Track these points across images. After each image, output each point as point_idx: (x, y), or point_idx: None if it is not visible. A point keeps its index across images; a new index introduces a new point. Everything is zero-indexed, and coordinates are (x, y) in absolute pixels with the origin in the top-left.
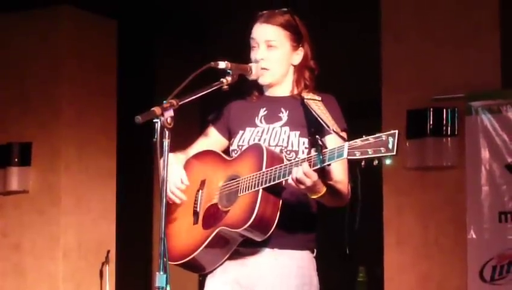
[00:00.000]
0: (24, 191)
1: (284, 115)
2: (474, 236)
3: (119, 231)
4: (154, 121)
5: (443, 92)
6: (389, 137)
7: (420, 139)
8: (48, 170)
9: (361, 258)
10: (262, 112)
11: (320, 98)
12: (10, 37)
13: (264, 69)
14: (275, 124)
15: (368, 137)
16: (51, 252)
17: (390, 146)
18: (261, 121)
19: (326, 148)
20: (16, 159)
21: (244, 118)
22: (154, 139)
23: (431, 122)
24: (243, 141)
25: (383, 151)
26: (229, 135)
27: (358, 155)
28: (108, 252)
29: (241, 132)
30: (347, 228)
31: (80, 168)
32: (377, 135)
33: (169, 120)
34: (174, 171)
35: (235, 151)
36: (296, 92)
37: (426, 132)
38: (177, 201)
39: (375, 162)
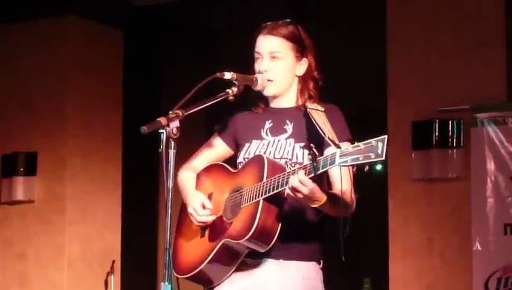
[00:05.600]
0: (29, 201)
1: (289, 127)
2: (479, 248)
3: (124, 241)
4: (160, 131)
5: (449, 103)
6: (379, 142)
7: (425, 151)
8: (53, 180)
9: (367, 269)
10: (268, 124)
11: (323, 109)
12: (16, 46)
13: (269, 80)
14: (280, 136)
15: (358, 144)
16: (56, 261)
17: (379, 151)
18: (266, 134)
19: (320, 156)
20: (22, 169)
21: (250, 131)
22: (160, 150)
23: (436, 134)
24: (249, 153)
25: (372, 157)
26: (236, 146)
27: (349, 162)
28: (113, 262)
29: (247, 145)
30: (342, 235)
31: (85, 178)
32: (367, 141)
33: (175, 130)
34: (197, 198)
35: (241, 164)
36: (300, 102)
37: (432, 143)
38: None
39: (366, 168)
